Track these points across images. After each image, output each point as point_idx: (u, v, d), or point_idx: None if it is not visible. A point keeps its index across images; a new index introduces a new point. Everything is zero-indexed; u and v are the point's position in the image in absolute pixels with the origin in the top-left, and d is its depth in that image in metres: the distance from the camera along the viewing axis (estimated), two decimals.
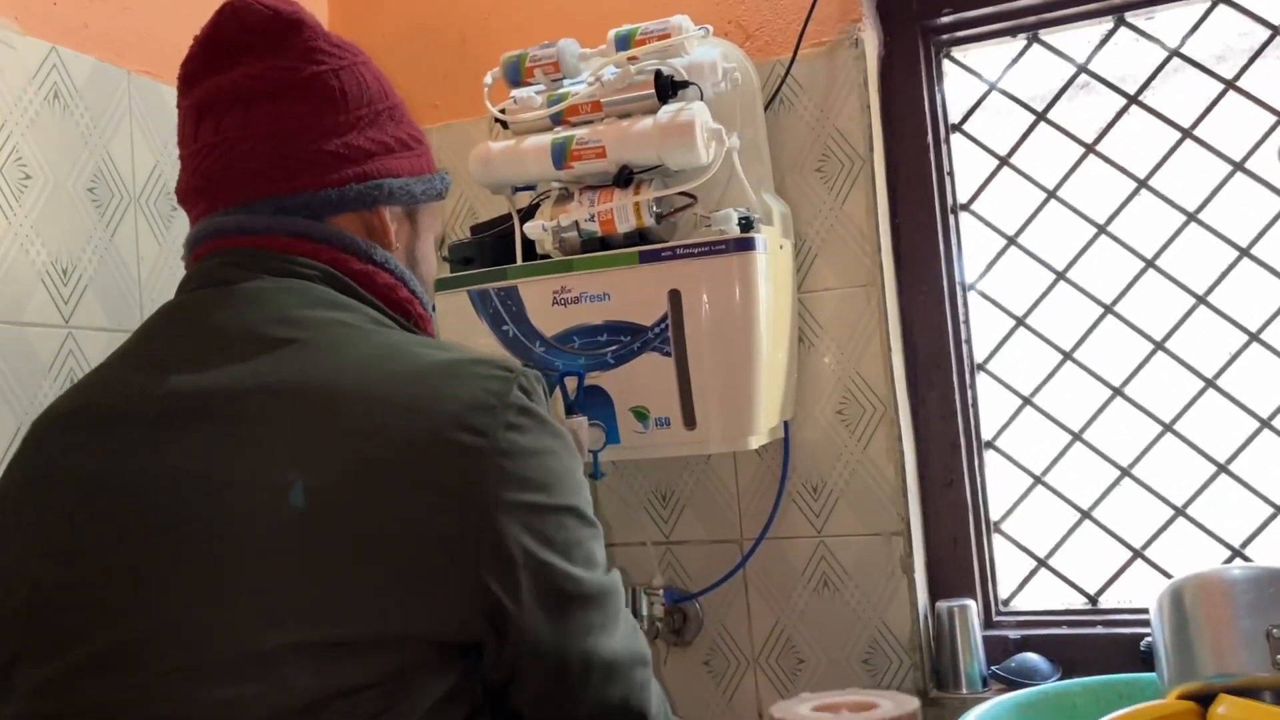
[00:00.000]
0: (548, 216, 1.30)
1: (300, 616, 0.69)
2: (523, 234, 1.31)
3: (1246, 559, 1.33)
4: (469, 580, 0.72)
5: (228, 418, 0.74)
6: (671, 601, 1.42)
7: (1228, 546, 1.34)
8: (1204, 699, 1.06)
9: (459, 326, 1.32)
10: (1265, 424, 1.33)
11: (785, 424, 1.37)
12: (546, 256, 1.30)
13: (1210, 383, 1.35)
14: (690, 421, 1.23)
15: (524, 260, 1.31)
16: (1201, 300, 1.35)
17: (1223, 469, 1.34)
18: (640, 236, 1.27)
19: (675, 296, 1.23)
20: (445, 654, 0.73)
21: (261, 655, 0.68)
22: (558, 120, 1.30)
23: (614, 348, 1.25)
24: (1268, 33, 1.33)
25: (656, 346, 1.24)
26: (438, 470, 0.72)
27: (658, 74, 1.24)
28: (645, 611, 1.38)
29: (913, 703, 1.22)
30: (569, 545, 0.76)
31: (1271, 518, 1.32)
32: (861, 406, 1.37)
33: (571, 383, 1.26)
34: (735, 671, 1.42)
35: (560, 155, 1.27)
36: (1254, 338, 1.33)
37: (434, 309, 0.95)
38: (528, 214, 1.32)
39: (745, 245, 1.21)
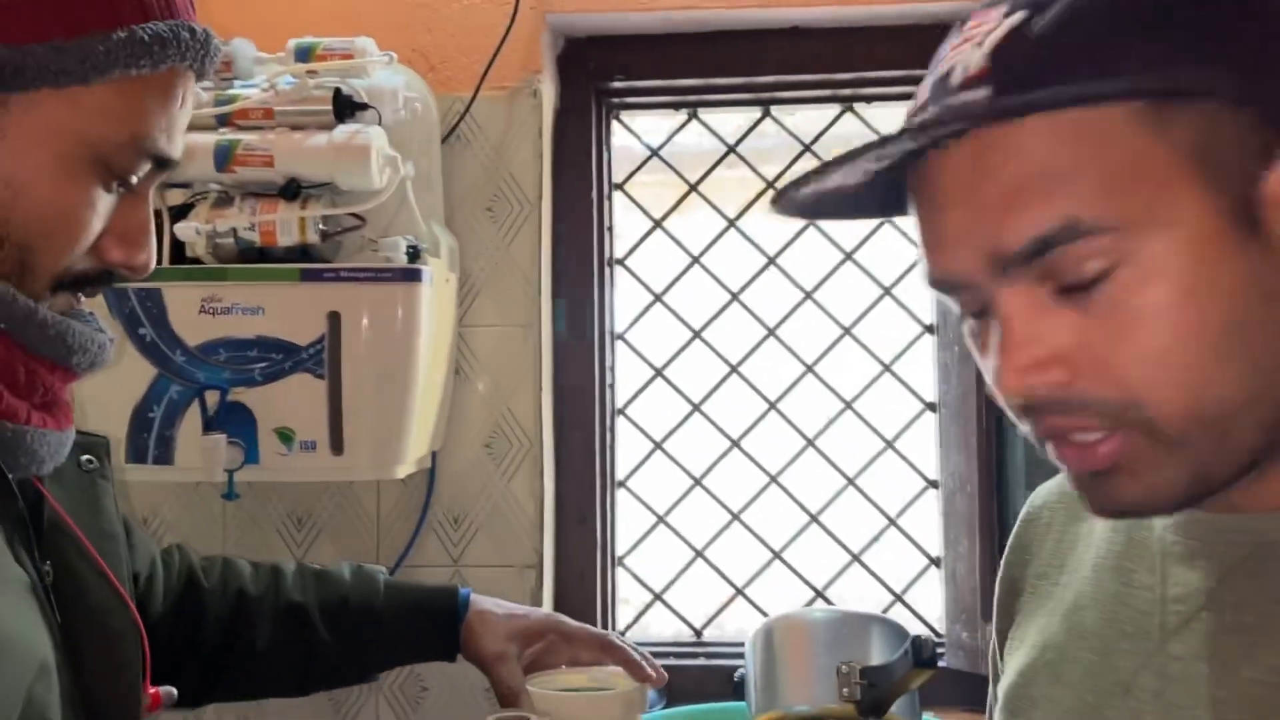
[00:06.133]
0: (203, 219, 1.23)
1: None
2: (173, 234, 1.23)
3: (828, 600, 1.52)
4: None
5: None
6: None
7: (812, 588, 1.52)
8: None
9: None
10: (851, 481, 1.53)
11: (433, 454, 1.39)
12: (196, 261, 1.23)
13: (810, 442, 1.54)
14: (338, 447, 1.21)
15: (171, 262, 1.23)
16: (810, 369, 1.54)
17: (814, 519, 1.53)
18: (302, 253, 1.24)
19: (335, 319, 1.21)
20: None
21: None
22: (224, 121, 1.24)
23: (263, 365, 1.21)
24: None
25: (309, 367, 1.21)
26: None
27: (337, 91, 1.23)
28: None
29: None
30: None
31: (849, 564, 1.52)
32: (510, 441, 1.42)
33: (212, 398, 1.20)
34: (358, 699, 1.40)
35: (224, 157, 1.21)
36: (848, 405, 1.53)
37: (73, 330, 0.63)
38: (180, 213, 1.25)
39: (412, 276, 1.22)
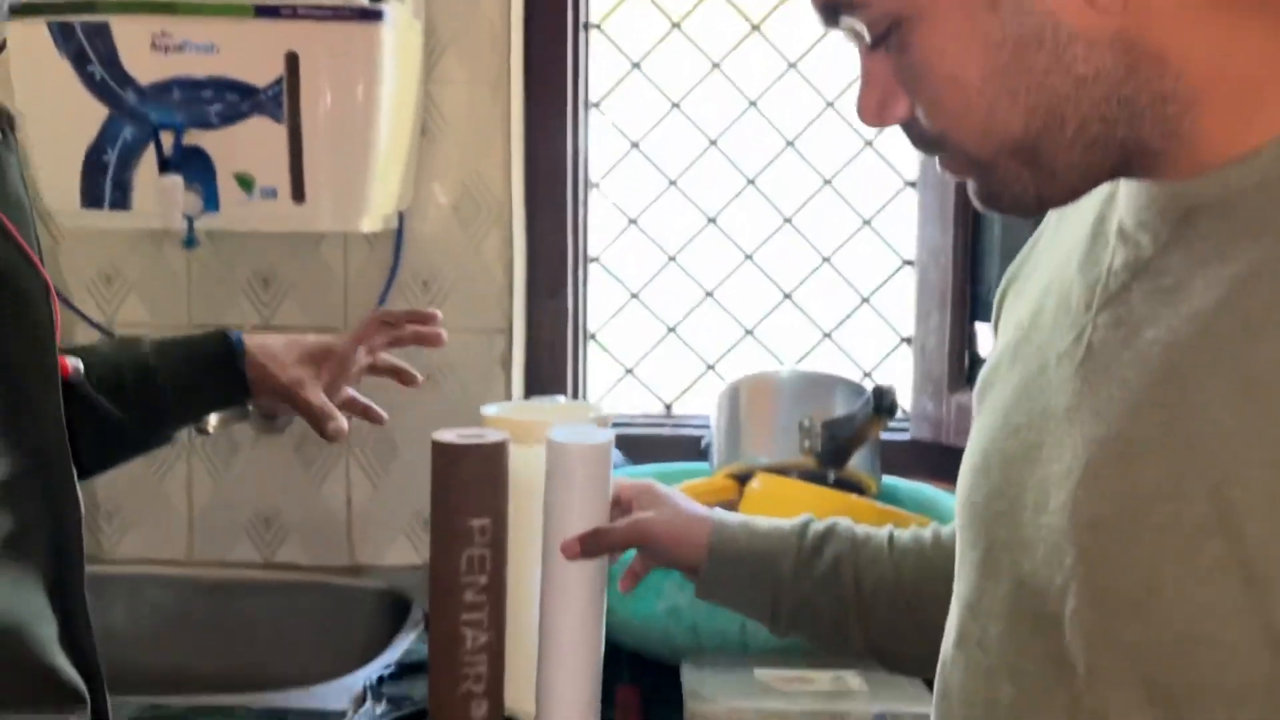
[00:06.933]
0: None
1: None
2: None
3: None
4: None
5: None
6: None
7: (782, 364, 1.52)
8: (744, 478, 1.23)
9: (34, 64, 1.17)
10: (826, 260, 1.51)
11: (400, 215, 1.36)
12: None
13: (788, 220, 1.51)
14: (299, 194, 1.18)
15: None
16: (790, 144, 1.50)
17: (788, 296, 1.52)
18: None
19: (293, 60, 1.16)
20: None
21: None
22: None
23: (219, 106, 1.16)
24: None
25: (268, 110, 1.17)
26: None
27: None
28: None
29: None
30: None
31: (820, 341, 1.53)
32: (478, 206, 1.39)
33: (167, 138, 1.16)
34: (328, 459, 1.42)
35: None
36: (827, 182, 1.50)
37: None
38: None
39: (372, 15, 1.16)
